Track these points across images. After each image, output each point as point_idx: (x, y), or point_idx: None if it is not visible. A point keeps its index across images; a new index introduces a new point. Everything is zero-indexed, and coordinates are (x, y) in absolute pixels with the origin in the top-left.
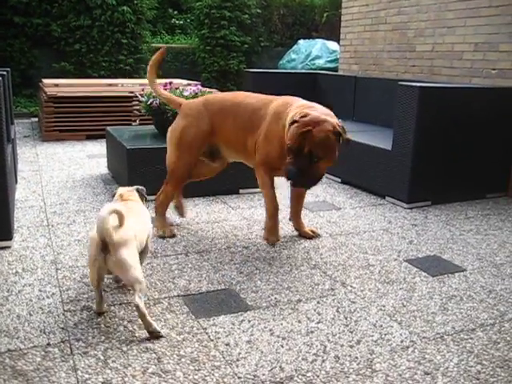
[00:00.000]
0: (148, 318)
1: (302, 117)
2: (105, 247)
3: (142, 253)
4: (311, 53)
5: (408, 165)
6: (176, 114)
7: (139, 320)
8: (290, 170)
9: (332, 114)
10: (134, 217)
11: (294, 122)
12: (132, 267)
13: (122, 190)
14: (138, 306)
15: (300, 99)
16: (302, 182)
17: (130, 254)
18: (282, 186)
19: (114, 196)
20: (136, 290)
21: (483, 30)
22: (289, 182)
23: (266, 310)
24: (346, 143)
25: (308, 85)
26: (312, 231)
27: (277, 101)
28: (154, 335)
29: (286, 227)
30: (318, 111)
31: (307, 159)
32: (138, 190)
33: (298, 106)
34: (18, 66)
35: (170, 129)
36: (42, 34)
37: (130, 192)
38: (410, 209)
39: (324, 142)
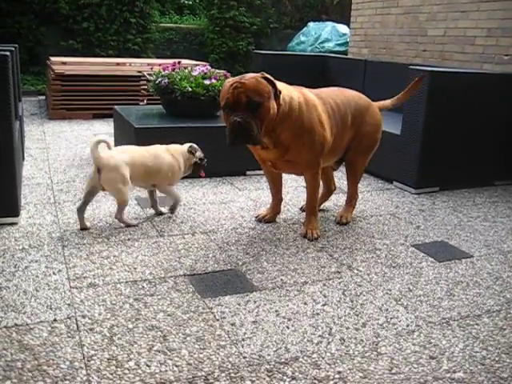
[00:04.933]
0: (126, 220)
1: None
2: (99, 169)
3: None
4: (321, 35)
5: (416, 150)
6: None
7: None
8: (233, 122)
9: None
10: (140, 153)
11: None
12: (117, 188)
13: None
14: (117, 217)
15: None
16: (245, 134)
17: (115, 178)
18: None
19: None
20: (118, 206)
21: (497, 15)
22: (229, 140)
23: (271, 291)
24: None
25: (317, 68)
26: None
27: None
28: (130, 227)
29: (292, 209)
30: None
31: (247, 109)
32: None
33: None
34: (25, 43)
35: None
36: (50, 11)
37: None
38: (417, 194)
39: (257, 87)
